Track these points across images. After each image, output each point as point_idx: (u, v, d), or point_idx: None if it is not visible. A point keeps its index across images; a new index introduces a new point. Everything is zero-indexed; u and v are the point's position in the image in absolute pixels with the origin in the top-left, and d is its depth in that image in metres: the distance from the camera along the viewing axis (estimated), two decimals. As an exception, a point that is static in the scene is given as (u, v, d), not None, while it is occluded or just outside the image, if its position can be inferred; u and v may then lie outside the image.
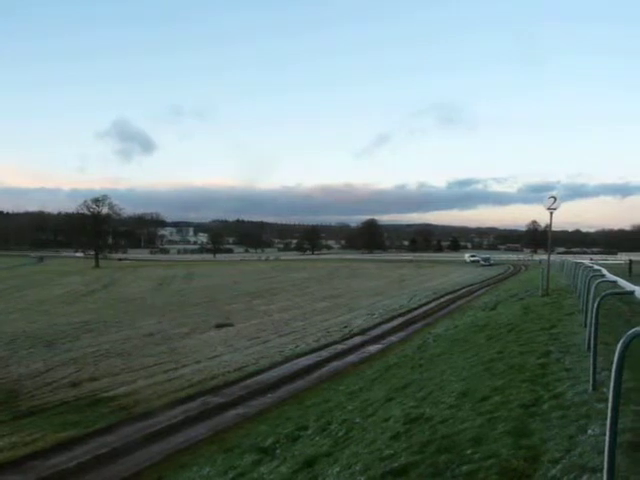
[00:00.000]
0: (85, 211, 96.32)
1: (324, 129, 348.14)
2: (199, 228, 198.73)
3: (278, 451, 7.29)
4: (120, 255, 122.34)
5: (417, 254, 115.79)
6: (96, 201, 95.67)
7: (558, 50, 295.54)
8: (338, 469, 5.14)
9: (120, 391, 13.19)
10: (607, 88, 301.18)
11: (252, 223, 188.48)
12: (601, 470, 2.84)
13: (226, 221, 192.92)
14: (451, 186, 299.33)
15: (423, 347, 14.10)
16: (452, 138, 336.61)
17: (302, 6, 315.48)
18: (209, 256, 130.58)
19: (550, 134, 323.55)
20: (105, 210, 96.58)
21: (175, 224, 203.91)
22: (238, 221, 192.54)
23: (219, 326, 23.30)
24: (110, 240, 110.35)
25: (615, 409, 2.69)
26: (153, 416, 11.00)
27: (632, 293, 8.70)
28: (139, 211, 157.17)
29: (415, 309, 26.92)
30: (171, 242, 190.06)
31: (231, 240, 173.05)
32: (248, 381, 13.83)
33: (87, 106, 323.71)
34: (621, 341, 2.72)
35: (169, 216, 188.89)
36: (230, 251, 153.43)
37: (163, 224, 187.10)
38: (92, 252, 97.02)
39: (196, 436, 9.72)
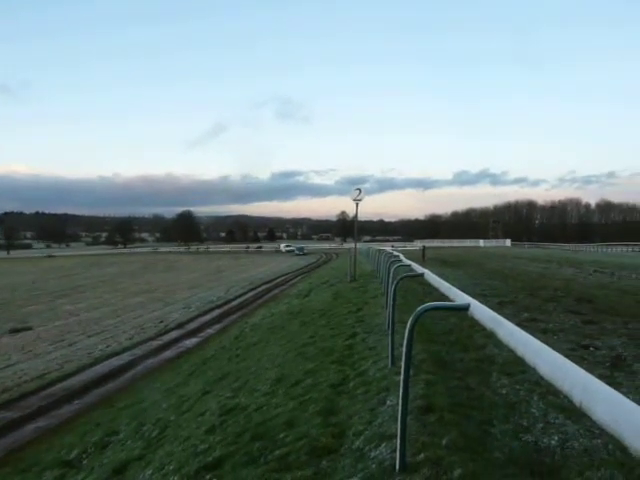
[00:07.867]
0: None
1: (153, 118, 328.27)
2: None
3: (85, 462, 6.73)
4: None
5: (234, 245, 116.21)
6: None
7: (380, 54, 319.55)
8: (150, 472, 4.91)
9: None
10: (423, 90, 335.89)
11: (55, 216, 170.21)
12: (397, 436, 3.11)
13: (22, 213, 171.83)
14: (275, 178, 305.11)
15: (240, 337, 14.19)
16: (286, 132, 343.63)
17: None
18: (3, 253, 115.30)
19: (370, 131, 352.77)
20: None
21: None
22: (37, 213, 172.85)
23: (14, 331, 20.69)
24: None
25: (406, 380, 2.97)
26: None
27: (422, 275, 9.87)
28: None
29: (232, 300, 26.95)
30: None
31: (29, 235, 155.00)
32: (51, 389, 12.50)
33: None
34: (410, 319, 3.01)
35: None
36: (28, 247, 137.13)
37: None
38: None
39: (-17, 460, 8.50)
